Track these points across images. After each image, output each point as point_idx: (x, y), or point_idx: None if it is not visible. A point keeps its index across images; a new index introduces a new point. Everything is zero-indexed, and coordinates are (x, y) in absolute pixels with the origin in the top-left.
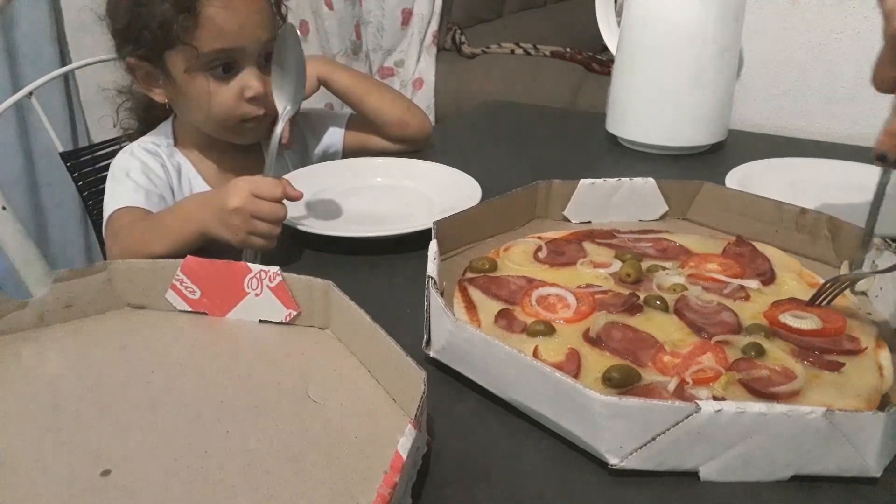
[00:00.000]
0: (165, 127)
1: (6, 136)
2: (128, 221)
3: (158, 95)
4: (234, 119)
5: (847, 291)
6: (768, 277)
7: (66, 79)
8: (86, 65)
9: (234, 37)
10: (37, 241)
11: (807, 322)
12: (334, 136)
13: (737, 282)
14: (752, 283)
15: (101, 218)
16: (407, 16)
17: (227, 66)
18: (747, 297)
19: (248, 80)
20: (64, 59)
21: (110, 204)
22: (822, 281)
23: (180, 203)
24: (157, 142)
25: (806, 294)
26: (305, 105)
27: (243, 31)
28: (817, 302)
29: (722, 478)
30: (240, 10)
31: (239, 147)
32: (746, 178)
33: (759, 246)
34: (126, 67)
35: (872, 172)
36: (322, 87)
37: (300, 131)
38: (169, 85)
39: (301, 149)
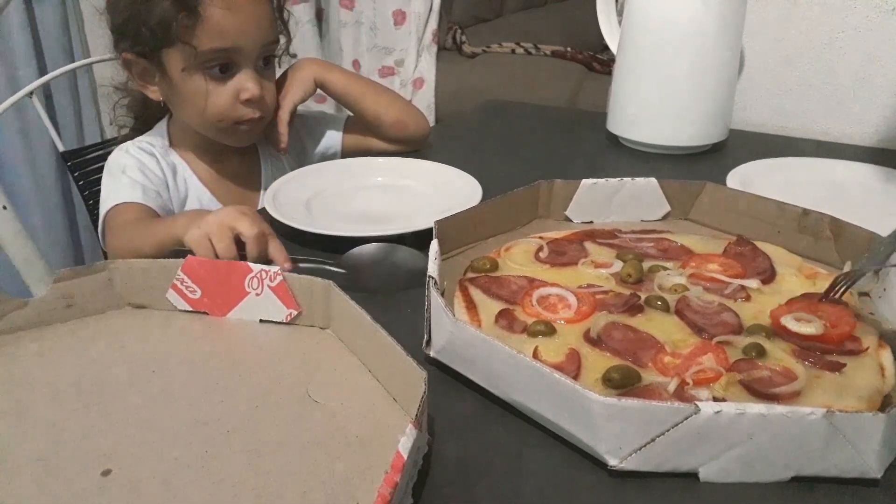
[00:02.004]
0: (160, 128)
1: (32, 134)
2: (124, 219)
3: (153, 93)
4: (228, 120)
5: (850, 292)
6: (768, 276)
7: (88, 75)
8: (88, 63)
9: (233, 37)
10: (66, 237)
11: (809, 326)
12: (332, 139)
13: (737, 282)
14: (752, 283)
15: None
16: (399, 16)
17: (224, 67)
18: (748, 298)
19: (245, 81)
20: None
21: (107, 201)
22: (821, 271)
23: (177, 214)
24: (151, 142)
25: (806, 289)
26: (302, 108)
27: (243, 32)
28: (832, 294)
29: (722, 479)
30: (240, 11)
31: (235, 149)
32: (747, 177)
33: (760, 244)
34: (122, 63)
35: (872, 172)
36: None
37: (297, 135)
38: (164, 83)
39: (299, 152)
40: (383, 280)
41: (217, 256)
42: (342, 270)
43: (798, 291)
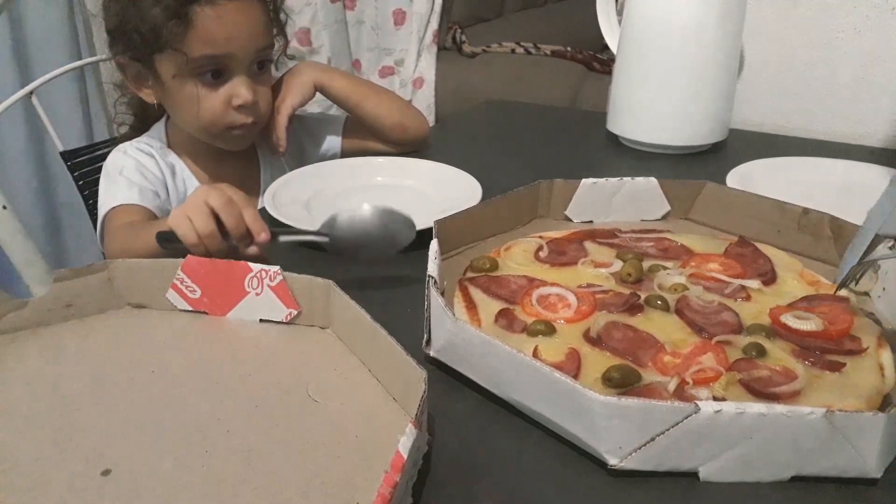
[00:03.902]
0: (158, 129)
1: (5, 134)
2: (121, 222)
3: (147, 96)
4: (220, 126)
5: (849, 291)
6: (770, 278)
7: (95, 74)
8: (87, 63)
9: (224, 44)
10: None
11: (809, 323)
12: (332, 141)
13: (738, 282)
14: (754, 283)
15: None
16: (399, 16)
17: (216, 73)
18: (748, 298)
19: (238, 88)
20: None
21: (105, 203)
22: (822, 280)
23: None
24: (149, 143)
25: (808, 293)
26: (302, 110)
27: (234, 39)
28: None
29: (721, 478)
30: (231, 18)
31: (233, 151)
32: (747, 177)
33: (761, 246)
34: (117, 65)
35: (873, 172)
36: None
37: (297, 137)
38: (158, 87)
39: (298, 154)
40: (370, 245)
41: (198, 234)
42: (325, 238)
43: (799, 294)
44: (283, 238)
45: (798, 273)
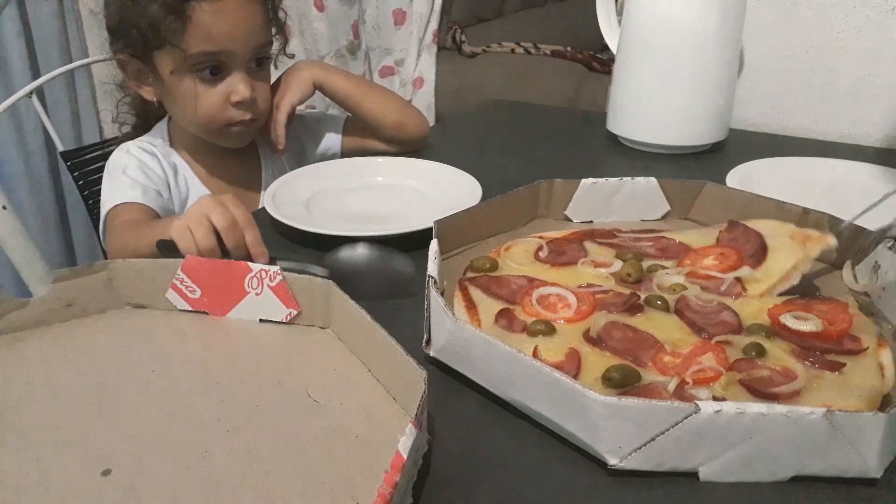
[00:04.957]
0: (161, 128)
1: (27, 134)
2: (124, 220)
3: (147, 93)
4: (219, 122)
5: (848, 291)
6: (759, 257)
7: (87, 75)
8: (86, 63)
9: (222, 41)
10: (58, 241)
11: (808, 324)
12: (332, 140)
13: (730, 275)
14: (745, 271)
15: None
16: (399, 15)
17: (215, 69)
18: (744, 290)
19: (236, 84)
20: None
21: (108, 201)
22: (813, 234)
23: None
24: (152, 142)
25: (796, 258)
26: (301, 109)
27: (232, 35)
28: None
29: (722, 478)
30: (230, 14)
31: (234, 149)
32: (747, 177)
33: (752, 222)
34: (117, 63)
35: (873, 172)
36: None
37: (297, 136)
38: (157, 84)
39: (298, 153)
40: (370, 285)
41: (198, 249)
42: (324, 273)
43: (789, 263)
44: (281, 264)
45: (789, 235)
